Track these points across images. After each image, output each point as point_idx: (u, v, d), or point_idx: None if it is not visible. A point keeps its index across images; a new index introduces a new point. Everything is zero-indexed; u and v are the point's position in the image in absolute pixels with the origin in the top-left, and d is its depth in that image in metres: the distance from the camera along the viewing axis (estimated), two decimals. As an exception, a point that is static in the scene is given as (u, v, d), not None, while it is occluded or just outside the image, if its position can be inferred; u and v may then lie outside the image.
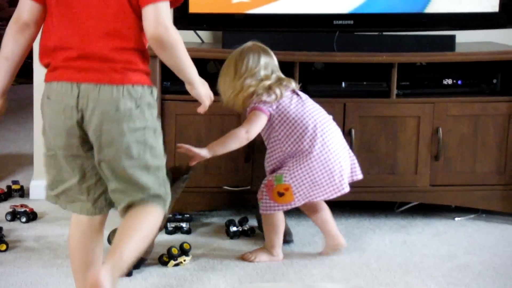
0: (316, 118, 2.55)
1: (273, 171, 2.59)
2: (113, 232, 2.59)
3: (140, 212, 1.92)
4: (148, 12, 1.83)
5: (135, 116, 1.86)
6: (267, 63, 2.56)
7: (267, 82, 2.53)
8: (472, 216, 3.10)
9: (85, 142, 1.90)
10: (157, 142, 1.94)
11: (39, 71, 3.16)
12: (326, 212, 2.66)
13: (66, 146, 1.90)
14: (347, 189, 2.56)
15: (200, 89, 2.02)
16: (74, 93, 1.85)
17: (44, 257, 2.52)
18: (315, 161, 2.51)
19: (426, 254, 2.70)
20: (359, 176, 2.63)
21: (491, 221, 3.06)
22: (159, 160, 1.95)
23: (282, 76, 2.60)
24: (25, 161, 3.72)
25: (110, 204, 2.00)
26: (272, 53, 2.60)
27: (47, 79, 1.92)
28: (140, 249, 1.90)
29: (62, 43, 1.88)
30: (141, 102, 1.87)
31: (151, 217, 1.93)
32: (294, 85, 2.60)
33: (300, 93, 2.61)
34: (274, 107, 2.55)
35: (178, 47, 1.87)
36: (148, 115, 1.89)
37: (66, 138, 1.89)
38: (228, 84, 2.58)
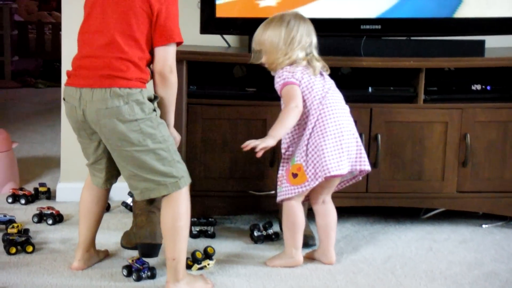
0: (330, 102, 2.53)
1: (288, 148, 2.57)
2: (124, 235, 2.61)
3: (164, 211, 2.32)
4: (159, 52, 2.29)
5: (125, 111, 2.23)
6: (313, 37, 2.57)
7: (309, 57, 2.54)
8: (499, 223, 3.06)
9: (93, 133, 2.33)
10: (156, 130, 2.27)
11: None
12: (331, 219, 2.60)
13: (79, 136, 2.38)
14: (344, 170, 2.50)
15: (175, 133, 2.42)
16: (77, 96, 2.28)
17: (70, 259, 2.53)
18: (322, 138, 2.48)
19: (453, 261, 2.67)
20: (366, 167, 2.56)
21: (520, 229, 3.03)
22: (162, 144, 2.28)
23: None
24: (52, 163, 3.76)
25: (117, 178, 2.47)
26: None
27: (65, 84, 2.37)
28: (182, 239, 2.31)
29: (81, 54, 2.35)
30: (128, 99, 2.23)
31: (173, 207, 2.30)
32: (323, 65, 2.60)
33: (325, 74, 2.60)
34: (301, 81, 2.53)
35: (174, 90, 2.34)
36: (137, 109, 2.24)
37: (77, 131, 2.37)
38: (275, 46, 2.54)
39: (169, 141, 2.30)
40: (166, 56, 2.28)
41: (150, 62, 2.32)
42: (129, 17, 2.26)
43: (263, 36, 2.57)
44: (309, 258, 2.64)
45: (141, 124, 2.25)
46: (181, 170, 2.31)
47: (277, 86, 2.57)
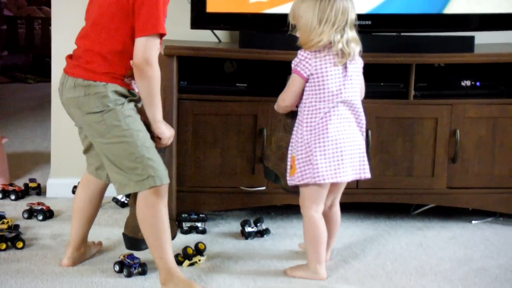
0: (345, 99, 2.40)
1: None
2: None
3: (138, 211, 2.29)
4: (138, 42, 2.20)
5: (83, 102, 2.24)
6: (349, 15, 2.39)
7: (340, 45, 2.36)
8: (489, 219, 3.07)
9: None
10: (122, 122, 2.22)
11: (57, 70, 3.17)
12: (333, 227, 2.53)
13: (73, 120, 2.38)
14: (344, 178, 2.40)
15: (164, 129, 2.31)
16: (61, 81, 2.33)
17: (60, 255, 2.52)
18: (322, 142, 2.37)
19: (443, 257, 2.68)
20: (367, 174, 2.46)
21: (509, 225, 3.03)
22: (128, 138, 2.23)
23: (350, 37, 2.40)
24: (42, 159, 3.74)
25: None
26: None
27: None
28: (156, 236, 2.27)
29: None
30: (89, 91, 2.23)
31: (144, 209, 2.27)
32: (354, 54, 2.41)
33: (350, 67, 2.41)
34: (314, 74, 2.37)
35: (152, 83, 2.22)
36: (96, 102, 2.23)
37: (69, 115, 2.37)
38: (308, 24, 2.35)
39: (138, 136, 2.23)
40: (141, 48, 2.18)
41: None
42: (103, 8, 2.23)
43: (299, 10, 2.38)
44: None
45: (104, 115, 2.23)
46: (150, 168, 2.22)
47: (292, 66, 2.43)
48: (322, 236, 2.45)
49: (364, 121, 2.48)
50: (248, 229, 2.81)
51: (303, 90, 2.42)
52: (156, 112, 2.27)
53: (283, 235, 2.86)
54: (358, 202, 2.98)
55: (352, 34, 2.41)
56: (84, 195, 2.47)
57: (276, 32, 2.94)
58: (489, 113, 2.95)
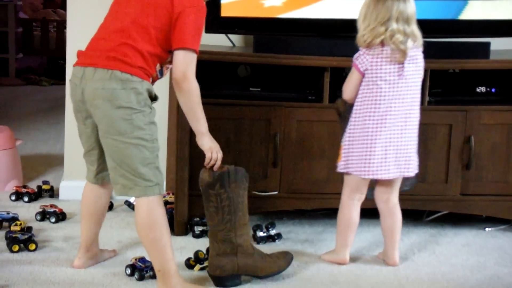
0: (395, 105, 2.49)
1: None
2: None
3: (139, 218, 2.27)
4: (177, 55, 2.26)
5: (119, 95, 2.20)
6: (401, 12, 2.45)
7: (389, 39, 2.45)
8: (503, 226, 3.05)
9: (88, 118, 2.30)
10: (147, 127, 2.24)
11: (71, 73, 3.19)
12: (393, 221, 2.60)
13: (76, 119, 2.35)
14: (382, 175, 2.51)
15: (205, 141, 2.36)
16: (80, 75, 2.27)
17: (72, 258, 2.53)
18: (371, 137, 2.49)
19: (455, 265, 2.67)
20: (410, 173, 2.55)
21: (523, 233, 3.02)
22: (149, 143, 2.25)
23: (411, 32, 2.47)
24: (56, 161, 3.76)
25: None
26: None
27: (73, 65, 2.35)
28: (163, 249, 2.25)
29: (96, 36, 2.36)
30: (127, 85, 2.20)
31: (149, 216, 2.25)
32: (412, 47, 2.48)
33: (407, 66, 2.49)
34: (369, 69, 2.48)
35: (192, 97, 2.30)
36: (133, 98, 2.21)
37: (75, 113, 2.34)
38: (362, 17, 2.50)
39: (156, 145, 2.27)
40: (180, 62, 2.25)
41: (164, 61, 2.32)
42: (149, 10, 2.25)
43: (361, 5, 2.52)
44: (378, 258, 2.68)
45: (134, 115, 2.21)
46: (157, 176, 2.27)
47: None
48: (351, 222, 2.58)
49: (415, 122, 2.54)
50: (260, 233, 2.80)
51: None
52: (199, 125, 2.35)
53: (295, 240, 2.85)
54: (371, 208, 2.96)
55: (402, 27, 2.45)
56: (90, 195, 2.46)
57: (290, 37, 2.94)
58: (504, 119, 2.93)
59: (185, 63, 2.25)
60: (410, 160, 2.54)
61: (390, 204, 2.60)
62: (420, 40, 2.51)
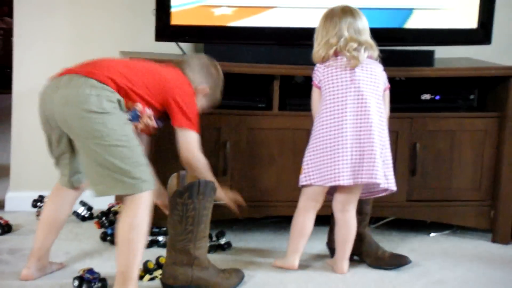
0: (349, 111, 2.53)
1: None
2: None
3: (122, 216, 2.28)
4: (179, 135, 2.45)
5: (92, 101, 2.24)
6: (351, 24, 2.56)
7: (343, 49, 2.54)
8: (447, 232, 3.12)
9: (58, 128, 2.31)
10: (121, 127, 2.27)
11: (18, 81, 3.15)
12: (346, 232, 2.62)
13: (45, 128, 2.37)
14: (344, 182, 2.52)
15: (222, 195, 2.55)
16: (56, 83, 2.32)
17: (19, 270, 2.48)
18: (322, 142, 2.54)
19: (401, 270, 2.71)
20: (366, 179, 2.53)
21: (466, 237, 3.09)
22: (125, 142, 2.26)
23: (363, 40, 2.56)
24: (1, 172, 3.67)
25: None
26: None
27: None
28: (135, 252, 2.26)
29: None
30: (101, 93, 2.26)
31: (132, 215, 2.26)
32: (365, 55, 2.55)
33: (358, 71, 2.55)
34: (322, 80, 2.58)
35: (201, 168, 2.48)
36: (105, 104, 2.25)
37: (44, 124, 2.36)
38: (319, 38, 2.60)
39: (134, 143, 2.29)
40: (187, 141, 2.44)
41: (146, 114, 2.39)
42: (148, 76, 2.40)
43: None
44: (328, 264, 2.72)
45: (106, 117, 2.24)
46: (144, 173, 2.28)
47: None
48: (304, 229, 2.63)
49: (377, 130, 2.54)
50: (209, 242, 2.80)
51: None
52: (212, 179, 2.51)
53: (245, 248, 2.86)
54: (322, 215, 2.99)
55: (355, 36, 2.54)
56: (53, 205, 2.46)
57: (241, 45, 2.96)
58: (448, 126, 2.99)
59: (190, 142, 2.44)
60: (373, 167, 2.51)
61: (347, 215, 2.62)
62: (375, 49, 2.59)
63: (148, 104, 2.37)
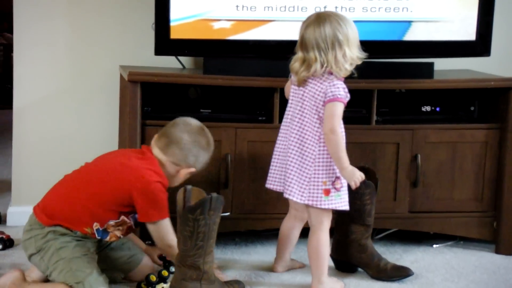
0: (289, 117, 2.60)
1: None
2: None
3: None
4: (151, 230, 2.44)
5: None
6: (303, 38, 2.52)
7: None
8: (450, 243, 3.11)
9: None
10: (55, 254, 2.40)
11: (18, 97, 3.15)
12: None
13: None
14: (268, 185, 2.64)
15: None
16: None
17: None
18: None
19: (404, 281, 2.70)
20: (292, 197, 2.53)
21: (469, 248, 3.08)
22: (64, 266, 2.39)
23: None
24: (3, 187, 3.67)
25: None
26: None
27: None
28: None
29: None
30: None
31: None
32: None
33: (306, 90, 2.53)
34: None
35: (176, 251, 2.40)
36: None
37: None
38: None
39: (70, 264, 2.38)
40: (161, 234, 2.44)
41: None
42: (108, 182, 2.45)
43: None
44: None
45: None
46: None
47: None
48: (281, 234, 2.70)
49: (302, 151, 2.53)
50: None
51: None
52: None
53: (248, 261, 2.85)
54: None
55: (302, 54, 2.51)
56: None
57: (240, 58, 2.97)
58: (449, 138, 3.00)
59: (164, 234, 2.44)
60: (290, 184, 2.53)
61: (310, 232, 2.57)
62: (314, 66, 2.48)
63: (103, 218, 2.40)
